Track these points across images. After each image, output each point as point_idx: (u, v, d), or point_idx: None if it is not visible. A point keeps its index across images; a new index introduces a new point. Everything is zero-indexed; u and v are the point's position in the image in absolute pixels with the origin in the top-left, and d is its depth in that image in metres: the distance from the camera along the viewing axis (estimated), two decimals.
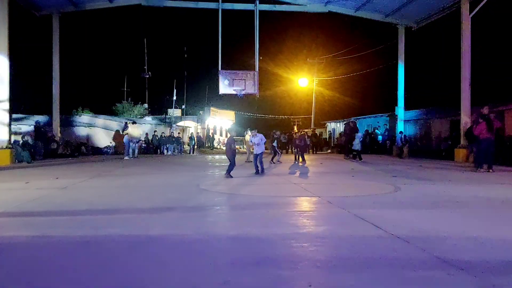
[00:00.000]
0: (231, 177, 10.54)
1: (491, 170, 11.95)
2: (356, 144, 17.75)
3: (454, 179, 10.41)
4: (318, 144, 30.39)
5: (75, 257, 3.84)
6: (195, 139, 30.47)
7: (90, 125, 26.26)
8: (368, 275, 3.32)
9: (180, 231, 4.89)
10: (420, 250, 4.00)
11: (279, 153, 17.19)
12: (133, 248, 4.14)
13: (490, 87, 25.04)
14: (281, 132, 18.73)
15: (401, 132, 22.49)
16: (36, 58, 28.89)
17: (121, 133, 21.17)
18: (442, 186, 9.06)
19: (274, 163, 15.86)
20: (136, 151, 19.69)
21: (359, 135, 18.35)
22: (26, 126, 22.64)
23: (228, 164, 10.80)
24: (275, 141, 16.96)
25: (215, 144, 42.25)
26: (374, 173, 12.20)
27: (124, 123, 21.68)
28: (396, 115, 23.73)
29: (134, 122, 20.30)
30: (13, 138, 17.05)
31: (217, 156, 20.99)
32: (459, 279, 3.24)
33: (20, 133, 20.43)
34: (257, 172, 11.59)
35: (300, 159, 16.83)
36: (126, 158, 18.29)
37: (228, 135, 11.60)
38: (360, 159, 17.24)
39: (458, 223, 5.32)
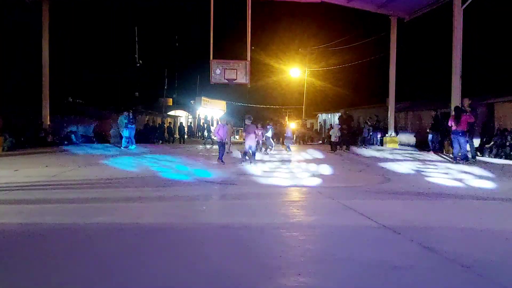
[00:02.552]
0: (254, 162, 11.23)
1: (460, 161, 12.11)
2: (334, 136, 17.48)
3: (439, 170, 10.50)
4: (309, 135, 30.49)
5: (63, 245, 3.82)
6: (186, 128, 30.37)
7: (80, 114, 25.99)
8: (357, 265, 3.34)
9: (169, 220, 4.88)
10: (408, 241, 4.04)
11: (272, 145, 17.40)
12: (123, 236, 4.12)
13: (481, 80, 25.19)
14: (274, 123, 18.69)
15: (370, 124, 22.65)
16: (25, 45, 28.40)
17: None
18: (432, 177, 9.13)
19: (267, 154, 15.97)
20: (133, 140, 19.47)
21: (335, 126, 18.17)
22: (15, 113, 22.29)
23: (244, 152, 11.09)
24: (269, 131, 17.23)
25: (206, 134, 42.04)
26: (365, 164, 12.26)
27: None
28: (387, 106, 23.77)
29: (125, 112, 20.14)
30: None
31: (208, 146, 20.93)
32: (446, 268, 3.29)
33: (8, 121, 20.11)
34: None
35: (286, 148, 17.29)
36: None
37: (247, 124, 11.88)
38: (334, 150, 17.09)
39: (445, 214, 5.38)
